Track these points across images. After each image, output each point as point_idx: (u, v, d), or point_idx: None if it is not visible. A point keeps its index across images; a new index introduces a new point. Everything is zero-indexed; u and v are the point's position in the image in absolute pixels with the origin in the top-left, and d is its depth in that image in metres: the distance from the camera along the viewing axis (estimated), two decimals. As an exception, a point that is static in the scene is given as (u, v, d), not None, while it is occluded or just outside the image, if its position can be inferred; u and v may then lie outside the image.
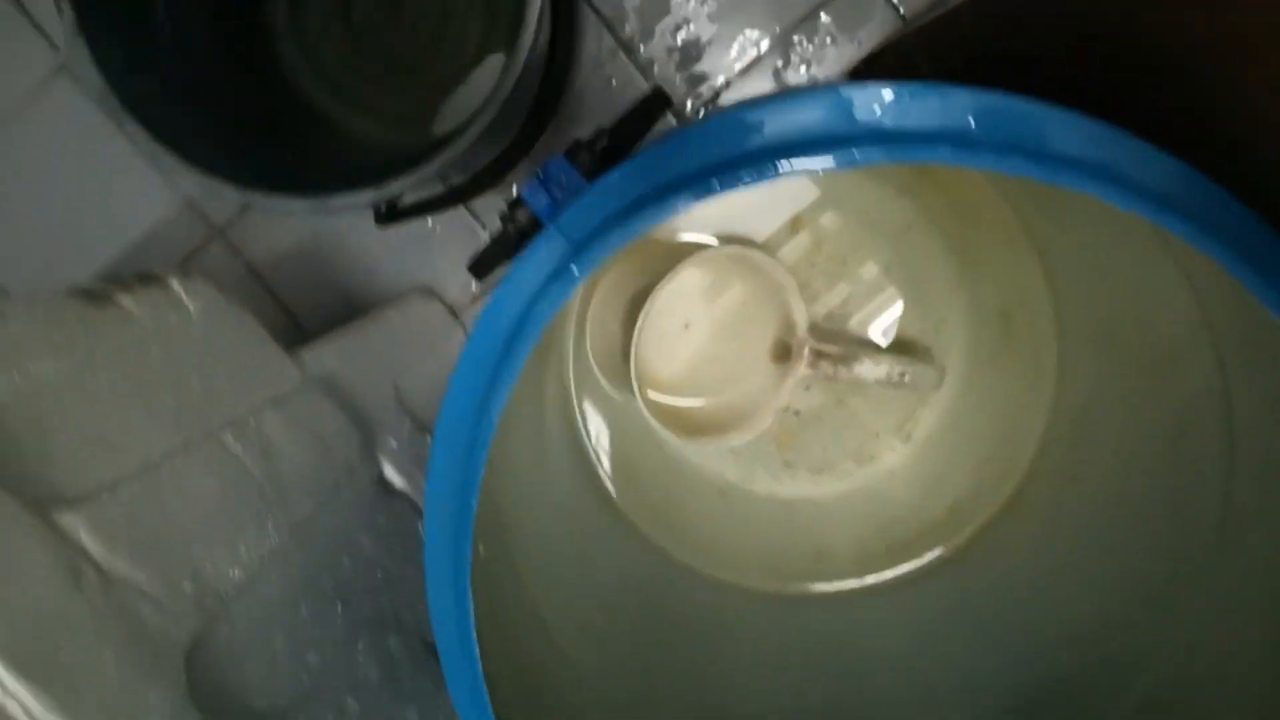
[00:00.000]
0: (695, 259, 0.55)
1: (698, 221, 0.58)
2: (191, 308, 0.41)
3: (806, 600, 0.60)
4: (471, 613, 0.30)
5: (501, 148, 0.54)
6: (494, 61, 0.60)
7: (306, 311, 0.68)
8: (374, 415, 0.50)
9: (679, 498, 0.63)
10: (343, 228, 0.68)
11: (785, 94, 0.27)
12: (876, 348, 0.60)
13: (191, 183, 0.46)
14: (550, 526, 0.54)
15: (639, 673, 0.52)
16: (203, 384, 0.39)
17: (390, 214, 0.48)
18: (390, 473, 0.49)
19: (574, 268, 0.28)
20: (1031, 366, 0.57)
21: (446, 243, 0.68)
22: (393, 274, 0.68)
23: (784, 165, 0.27)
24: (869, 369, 0.57)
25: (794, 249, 0.59)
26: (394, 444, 0.50)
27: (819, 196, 0.58)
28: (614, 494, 0.60)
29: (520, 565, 0.47)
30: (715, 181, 0.27)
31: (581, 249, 0.28)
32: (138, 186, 0.66)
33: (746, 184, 0.27)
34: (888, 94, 0.27)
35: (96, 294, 0.36)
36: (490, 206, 0.67)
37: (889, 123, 0.27)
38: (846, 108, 0.27)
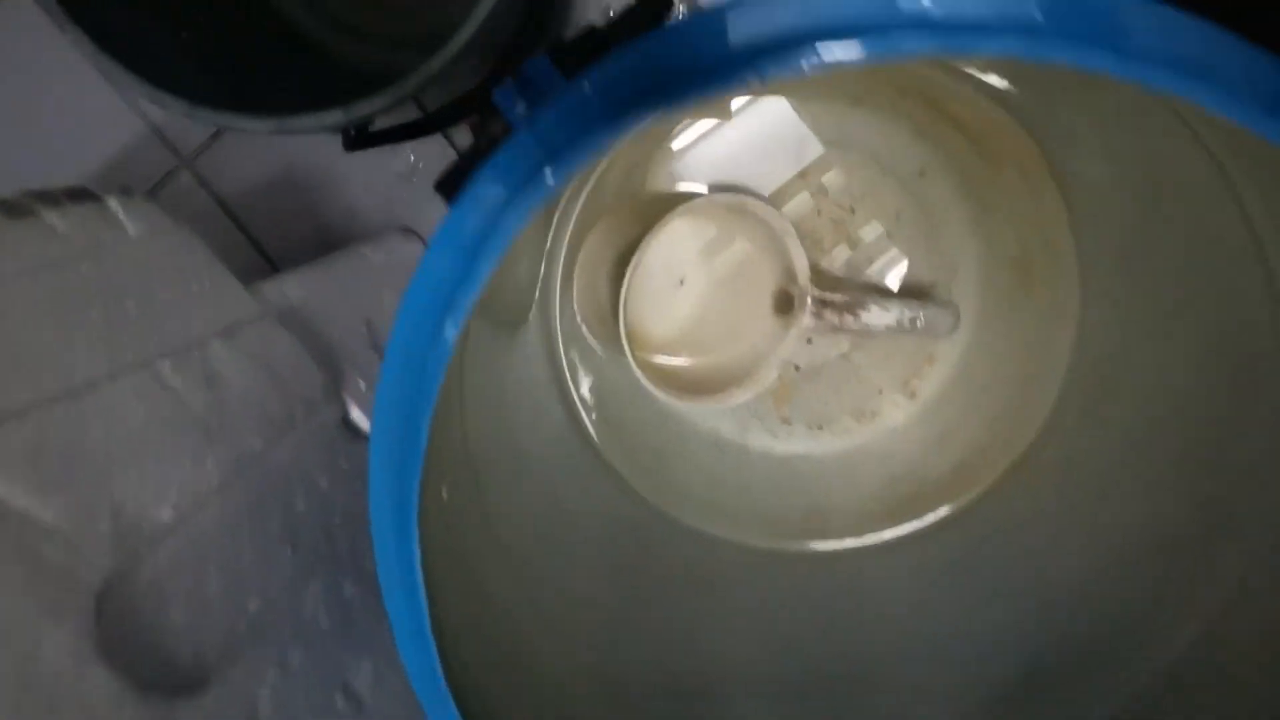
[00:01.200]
0: (686, 209, 0.51)
1: (693, 170, 0.54)
2: (131, 229, 0.37)
3: (802, 558, 0.57)
4: (418, 559, 0.27)
5: (485, 70, 0.50)
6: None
7: (280, 250, 0.65)
8: (342, 353, 0.47)
9: (671, 453, 0.60)
10: (320, 162, 0.64)
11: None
12: (884, 293, 0.56)
13: (142, 96, 0.42)
14: (531, 475, 0.51)
15: (621, 631, 0.49)
16: (139, 309, 0.35)
17: (359, 139, 0.44)
18: (357, 415, 0.46)
19: (548, 172, 0.24)
20: (1051, 315, 0.53)
21: (429, 181, 0.64)
22: (372, 213, 0.64)
23: (817, 53, 0.22)
24: (878, 315, 0.53)
25: (800, 200, 0.55)
26: (363, 385, 0.46)
27: (828, 141, 0.54)
28: (601, 448, 0.57)
29: (494, 515, 0.44)
30: (731, 73, 0.23)
31: (557, 153, 0.24)
32: (100, 111, 0.62)
33: (769, 76, 0.22)
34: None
35: (14, 205, 0.33)
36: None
37: (938, 11, 0.23)
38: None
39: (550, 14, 0.48)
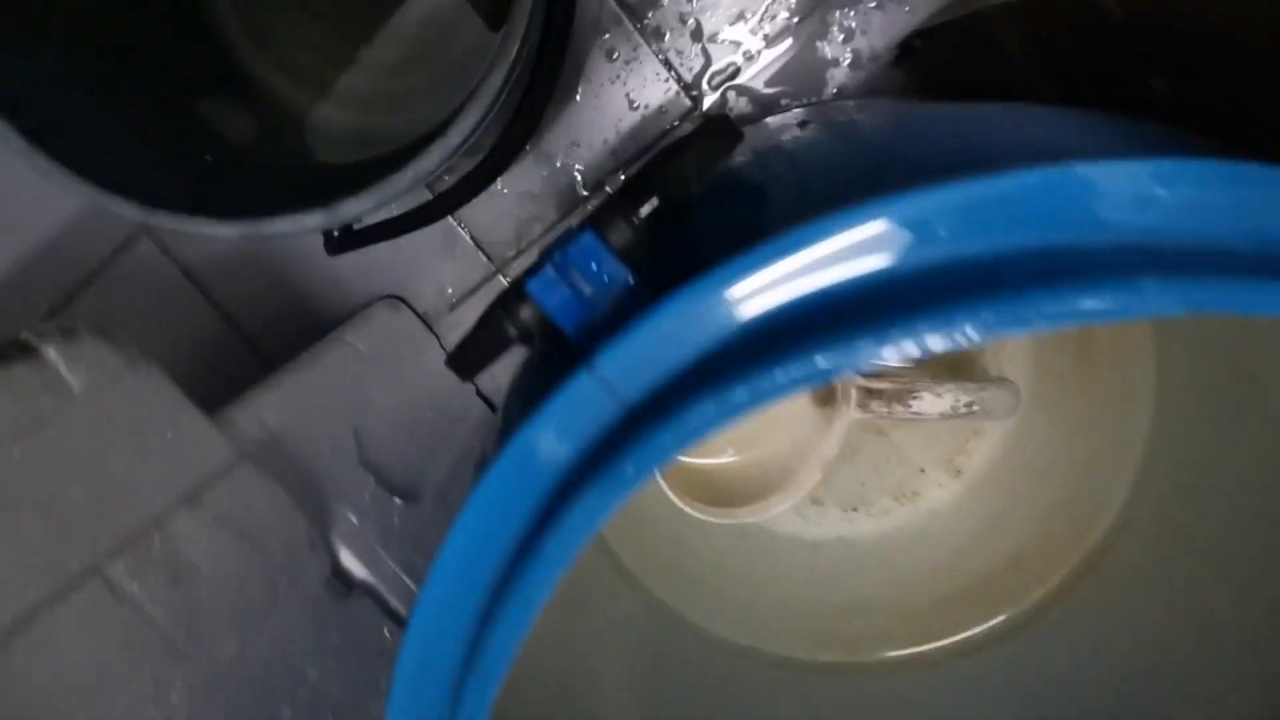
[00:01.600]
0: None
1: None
2: (75, 384, 0.30)
3: (843, 670, 0.52)
4: None
5: (493, 140, 0.43)
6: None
7: (253, 322, 0.58)
8: (327, 481, 0.40)
9: (691, 543, 0.54)
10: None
11: (976, 174, 0.16)
12: (937, 377, 0.50)
13: (86, 198, 0.36)
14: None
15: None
16: (86, 492, 0.29)
17: (344, 241, 0.38)
18: (348, 560, 0.39)
19: (629, 465, 0.16)
20: (1119, 393, 0.48)
21: (417, 243, 0.57)
22: (355, 278, 0.57)
23: (1025, 318, 0.15)
24: (930, 403, 0.48)
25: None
26: (353, 518, 0.40)
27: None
28: (615, 547, 0.51)
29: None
30: (897, 335, 0.15)
31: (642, 428, 0.16)
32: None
33: (961, 338, 0.15)
34: (1150, 180, 0.15)
35: (-75, 387, 0.26)
36: (473, 206, 0.56)
37: (1158, 225, 0.16)
38: (1087, 199, 0.16)
39: (556, 80, 0.41)
